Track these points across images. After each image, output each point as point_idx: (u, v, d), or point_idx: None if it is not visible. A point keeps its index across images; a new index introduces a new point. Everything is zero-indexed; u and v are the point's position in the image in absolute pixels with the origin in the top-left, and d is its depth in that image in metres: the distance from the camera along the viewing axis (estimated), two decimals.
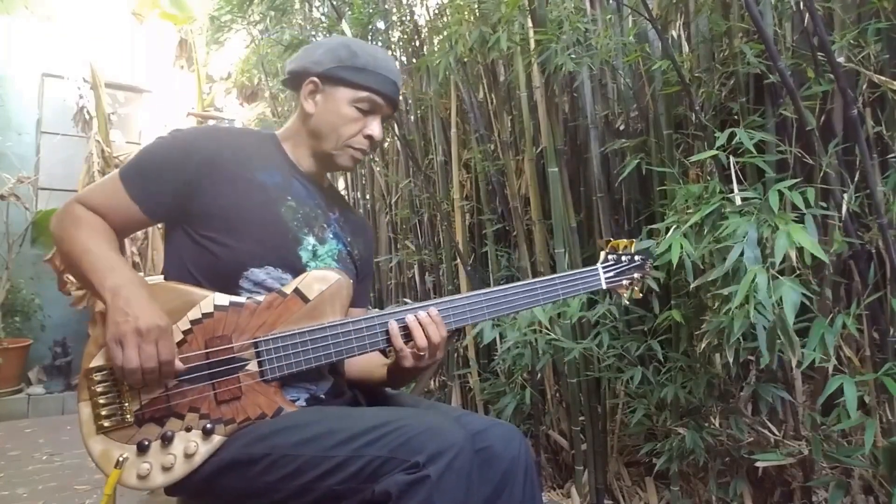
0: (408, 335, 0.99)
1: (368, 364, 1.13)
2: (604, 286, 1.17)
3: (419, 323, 0.99)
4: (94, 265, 0.90)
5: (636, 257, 1.20)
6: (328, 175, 1.20)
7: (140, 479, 0.85)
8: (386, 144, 3.24)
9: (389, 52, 2.78)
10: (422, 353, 0.99)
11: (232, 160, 1.01)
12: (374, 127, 1.06)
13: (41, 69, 4.00)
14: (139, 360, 0.83)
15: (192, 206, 0.98)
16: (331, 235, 1.09)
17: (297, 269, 1.01)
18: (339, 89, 1.04)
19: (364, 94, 1.04)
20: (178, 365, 0.88)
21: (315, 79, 1.05)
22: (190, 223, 0.99)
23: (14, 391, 3.50)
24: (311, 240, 1.04)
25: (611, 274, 1.18)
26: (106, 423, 0.86)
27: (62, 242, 0.95)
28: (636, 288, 1.20)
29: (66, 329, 3.80)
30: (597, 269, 1.17)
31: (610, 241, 1.22)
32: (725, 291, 1.24)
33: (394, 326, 0.99)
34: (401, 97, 1.18)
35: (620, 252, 1.20)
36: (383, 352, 1.08)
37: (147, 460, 0.86)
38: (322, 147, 1.07)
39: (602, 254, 1.21)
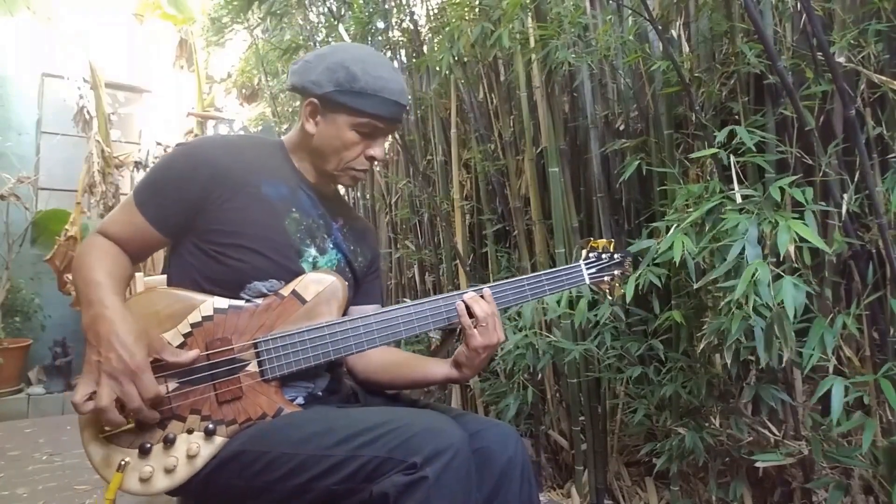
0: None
1: (416, 368, 1.14)
2: (587, 282, 1.19)
3: (466, 304, 1.03)
4: (83, 295, 0.91)
5: (615, 255, 1.23)
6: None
7: (142, 482, 0.85)
8: (386, 145, 3.23)
9: (389, 52, 2.78)
10: (484, 325, 1.01)
11: (238, 174, 1.01)
12: (376, 149, 1.06)
13: (41, 69, 3.99)
14: (109, 400, 0.82)
15: (200, 221, 0.99)
16: (331, 245, 1.10)
17: None
18: (338, 114, 1.02)
19: (364, 119, 1.01)
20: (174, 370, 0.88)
21: (314, 100, 1.03)
22: (198, 236, 1.00)
23: (14, 391, 3.49)
24: (312, 251, 1.06)
25: (593, 270, 1.20)
26: (106, 428, 0.86)
27: (73, 273, 0.96)
28: (617, 284, 1.23)
29: (66, 329, 3.79)
30: (579, 265, 1.20)
31: (590, 240, 1.25)
32: (726, 285, 1.24)
33: (460, 306, 1.03)
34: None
35: (601, 251, 1.23)
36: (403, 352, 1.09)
37: (149, 463, 0.86)
38: (323, 167, 1.07)
39: (583, 252, 1.24)
